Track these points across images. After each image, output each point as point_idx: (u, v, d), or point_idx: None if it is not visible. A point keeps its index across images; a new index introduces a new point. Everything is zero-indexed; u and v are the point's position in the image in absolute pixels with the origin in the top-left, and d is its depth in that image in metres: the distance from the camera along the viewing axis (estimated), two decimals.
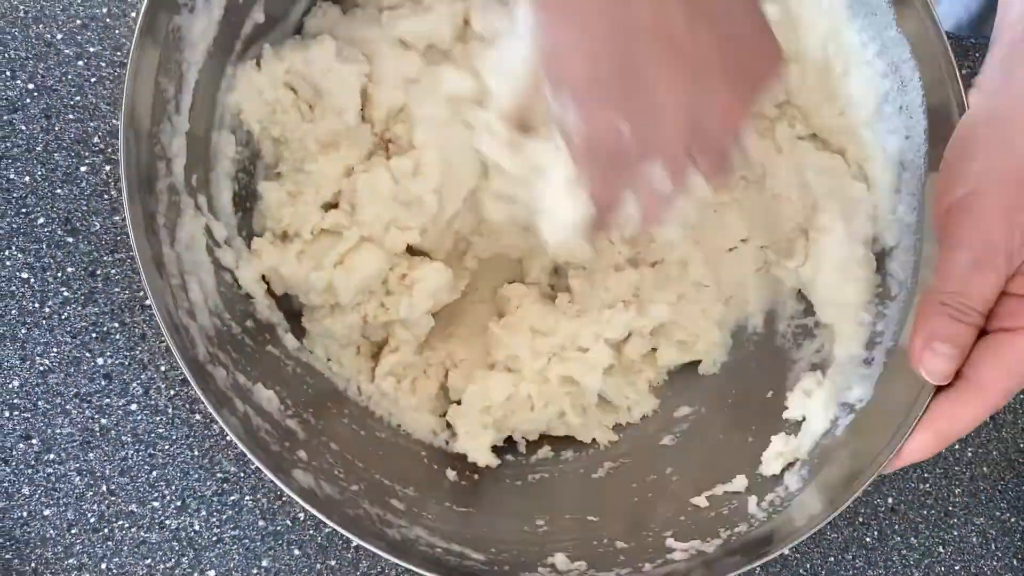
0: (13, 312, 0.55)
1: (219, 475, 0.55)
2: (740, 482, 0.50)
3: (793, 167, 0.56)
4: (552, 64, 0.37)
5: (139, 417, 0.55)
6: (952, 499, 0.61)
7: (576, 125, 0.37)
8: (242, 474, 0.55)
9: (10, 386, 0.54)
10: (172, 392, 0.55)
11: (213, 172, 0.51)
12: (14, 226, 0.55)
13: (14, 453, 0.54)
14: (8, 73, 0.57)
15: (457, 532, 0.48)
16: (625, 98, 0.35)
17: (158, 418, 0.55)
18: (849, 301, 0.51)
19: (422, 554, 0.45)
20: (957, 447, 0.62)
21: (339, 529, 0.43)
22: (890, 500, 0.61)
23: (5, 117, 0.56)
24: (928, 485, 0.61)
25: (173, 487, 0.55)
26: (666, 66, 0.34)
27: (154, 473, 0.55)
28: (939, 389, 0.42)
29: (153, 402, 0.55)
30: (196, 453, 0.55)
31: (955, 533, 0.61)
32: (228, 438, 0.55)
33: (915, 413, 0.43)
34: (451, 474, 0.54)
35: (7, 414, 0.54)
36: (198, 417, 0.55)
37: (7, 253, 0.55)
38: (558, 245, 0.46)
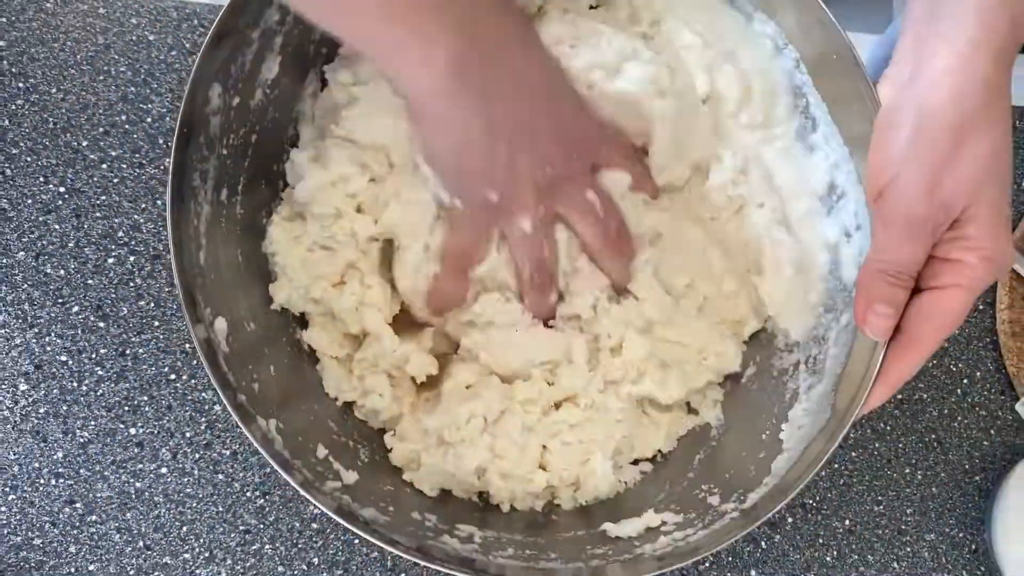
0: (55, 391, 0.62)
1: (241, 527, 0.62)
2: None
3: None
4: (433, 161, 0.53)
5: (169, 479, 0.62)
6: (904, 519, 0.68)
7: (454, 198, 0.53)
8: (261, 526, 0.62)
9: (55, 457, 0.62)
10: (197, 456, 0.63)
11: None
12: (52, 315, 0.63)
13: (61, 516, 0.61)
14: (42, 179, 0.64)
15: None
16: (493, 176, 0.51)
17: (186, 479, 0.62)
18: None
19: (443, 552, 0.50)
20: (908, 471, 0.68)
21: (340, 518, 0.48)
22: (847, 522, 0.67)
23: (40, 218, 0.64)
24: (882, 507, 0.67)
25: (201, 540, 0.62)
26: (519, 150, 0.49)
27: (184, 528, 0.62)
28: (888, 346, 0.49)
29: (181, 465, 0.62)
30: (220, 509, 0.62)
31: (908, 550, 0.67)
32: (248, 494, 0.62)
33: (871, 372, 0.49)
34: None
35: (54, 482, 0.61)
36: (220, 476, 0.63)
37: (47, 339, 0.63)
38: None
